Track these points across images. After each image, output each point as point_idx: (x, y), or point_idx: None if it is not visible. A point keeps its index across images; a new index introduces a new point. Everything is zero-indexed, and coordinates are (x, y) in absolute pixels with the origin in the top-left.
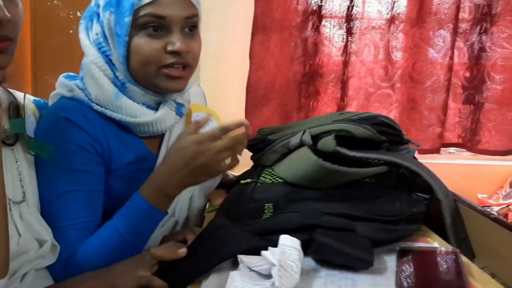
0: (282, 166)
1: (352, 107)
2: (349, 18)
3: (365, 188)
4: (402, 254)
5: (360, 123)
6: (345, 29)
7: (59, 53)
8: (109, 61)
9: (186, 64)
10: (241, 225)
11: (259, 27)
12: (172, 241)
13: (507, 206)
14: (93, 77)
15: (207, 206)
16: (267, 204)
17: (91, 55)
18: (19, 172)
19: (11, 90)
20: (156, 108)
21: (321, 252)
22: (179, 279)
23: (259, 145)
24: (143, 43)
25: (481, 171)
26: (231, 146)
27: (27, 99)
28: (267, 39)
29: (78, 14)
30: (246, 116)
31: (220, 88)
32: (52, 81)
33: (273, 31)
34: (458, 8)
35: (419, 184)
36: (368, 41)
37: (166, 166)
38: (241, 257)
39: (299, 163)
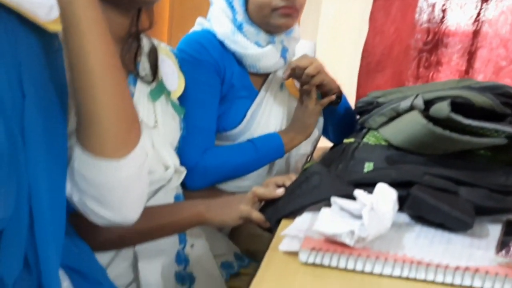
0: (388, 129)
1: None
2: None
3: (477, 160)
4: (509, 225)
5: (481, 91)
6: None
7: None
8: (231, 7)
9: (294, 8)
10: (338, 176)
11: None
12: (272, 183)
13: None
14: (217, 18)
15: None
16: (367, 163)
17: (218, 2)
18: (154, 104)
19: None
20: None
21: (417, 208)
22: (275, 213)
23: (367, 107)
24: None
25: None
26: None
27: (162, 46)
28: (389, 4)
29: None
30: (358, 82)
31: (334, 53)
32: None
33: None
34: None
35: None
36: (505, 8)
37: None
38: (334, 198)
39: (406, 127)
